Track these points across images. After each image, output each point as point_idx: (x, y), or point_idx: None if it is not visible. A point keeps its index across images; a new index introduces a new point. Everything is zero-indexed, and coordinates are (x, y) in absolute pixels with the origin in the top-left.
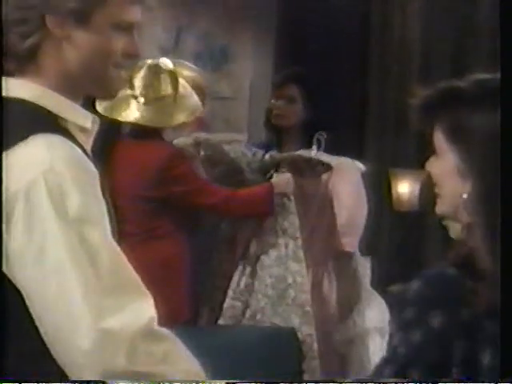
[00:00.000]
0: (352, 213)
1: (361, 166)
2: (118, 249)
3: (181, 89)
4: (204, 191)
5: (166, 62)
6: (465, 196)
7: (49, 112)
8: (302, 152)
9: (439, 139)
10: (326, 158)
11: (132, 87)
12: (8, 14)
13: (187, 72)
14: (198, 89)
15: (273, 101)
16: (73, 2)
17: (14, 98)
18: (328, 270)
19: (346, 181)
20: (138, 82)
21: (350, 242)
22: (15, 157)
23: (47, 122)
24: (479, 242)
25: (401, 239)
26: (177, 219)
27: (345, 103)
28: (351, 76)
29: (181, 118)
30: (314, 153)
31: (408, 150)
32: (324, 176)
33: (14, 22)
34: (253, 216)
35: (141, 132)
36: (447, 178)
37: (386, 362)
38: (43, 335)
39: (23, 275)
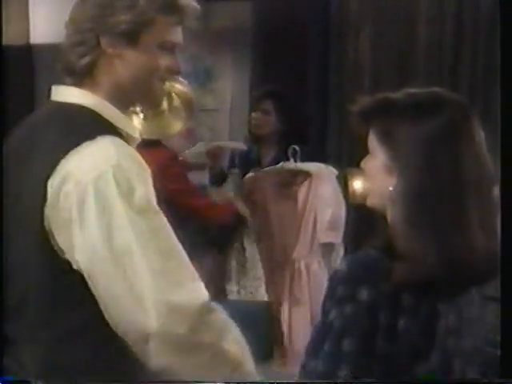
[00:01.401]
0: (335, 210)
1: (334, 170)
2: (174, 234)
3: (174, 103)
4: (193, 193)
5: None
6: (391, 188)
7: (106, 119)
8: (283, 164)
9: (372, 140)
10: (304, 166)
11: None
12: (68, 37)
13: (178, 87)
14: (188, 100)
15: (253, 114)
16: (124, 25)
17: (76, 104)
18: (319, 257)
19: (326, 184)
20: None
21: (335, 235)
22: (85, 153)
23: (108, 127)
24: (399, 228)
25: (356, 227)
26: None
27: (310, 114)
28: (315, 91)
29: (177, 128)
30: (292, 164)
31: (363, 152)
32: (306, 182)
33: (73, 44)
34: (221, 225)
35: (146, 142)
36: (377, 174)
37: (323, 336)
38: (107, 317)
39: (92, 259)
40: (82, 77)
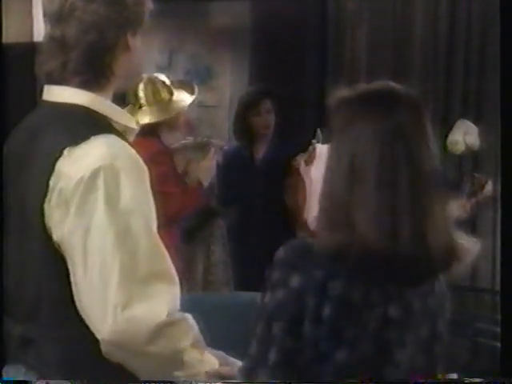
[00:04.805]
0: None
1: None
2: (159, 239)
3: (174, 92)
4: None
5: (160, 76)
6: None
7: (102, 115)
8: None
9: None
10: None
11: (136, 98)
12: (84, 34)
13: (178, 83)
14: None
15: (258, 117)
16: (138, 18)
17: (70, 103)
18: None
19: None
20: (141, 93)
21: None
22: (79, 153)
23: (103, 125)
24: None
25: None
26: None
27: (306, 110)
28: (311, 88)
29: (175, 110)
30: (315, 144)
31: None
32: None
33: (92, 42)
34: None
35: (140, 130)
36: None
37: (257, 318)
38: (77, 303)
39: (71, 256)
40: (97, 75)
